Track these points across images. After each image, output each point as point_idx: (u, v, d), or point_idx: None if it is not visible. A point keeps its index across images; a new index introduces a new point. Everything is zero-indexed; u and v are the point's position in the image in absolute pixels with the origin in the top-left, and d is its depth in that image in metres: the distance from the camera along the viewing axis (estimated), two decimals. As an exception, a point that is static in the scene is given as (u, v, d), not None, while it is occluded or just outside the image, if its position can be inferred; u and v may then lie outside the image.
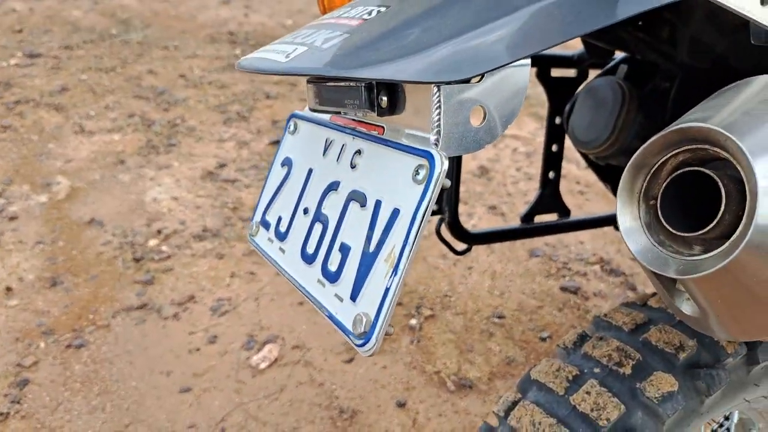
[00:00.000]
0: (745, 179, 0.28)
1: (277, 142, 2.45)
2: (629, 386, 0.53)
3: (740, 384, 0.56)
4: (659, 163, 0.32)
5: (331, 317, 0.40)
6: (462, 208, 2.06)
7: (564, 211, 0.88)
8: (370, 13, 0.36)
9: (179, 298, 1.60)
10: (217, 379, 1.36)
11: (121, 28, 3.77)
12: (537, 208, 0.85)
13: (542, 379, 0.58)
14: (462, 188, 2.18)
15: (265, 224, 0.50)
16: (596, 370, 0.56)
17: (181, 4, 4.52)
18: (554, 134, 0.81)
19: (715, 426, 0.85)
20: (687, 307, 0.34)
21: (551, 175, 0.83)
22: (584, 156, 0.83)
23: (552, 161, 0.82)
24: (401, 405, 1.30)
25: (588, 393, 0.54)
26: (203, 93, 2.88)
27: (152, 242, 1.81)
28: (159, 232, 1.86)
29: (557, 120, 0.81)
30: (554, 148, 0.82)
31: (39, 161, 2.22)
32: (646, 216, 0.33)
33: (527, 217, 0.86)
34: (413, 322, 1.55)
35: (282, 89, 3.02)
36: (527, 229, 0.85)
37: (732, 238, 0.28)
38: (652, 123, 0.68)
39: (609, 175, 0.84)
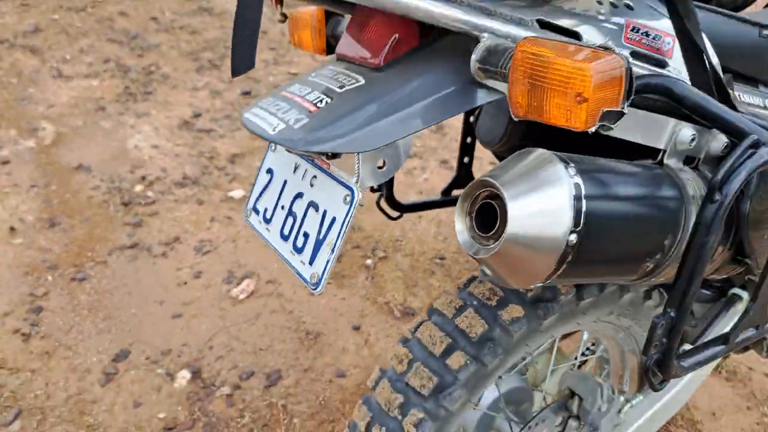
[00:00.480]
0: (507, 209, 0.53)
1: (248, 93, 2.62)
2: (493, 313, 0.80)
3: (571, 313, 0.85)
4: (475, 195, 0.58)
5: (297, 273, 0.66)
6: (416, 162, 2.32)
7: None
8: (321, 101, 0.59)
9: (166, 239, 1.84)
10: (203, 308, 1.63)
11: (87, -38, 3.74)
12: (454, 184, 1.11)
13: (439, 308, 0.85)
14: (418, 143, 2.42)
15: (256, 211, 0.75)
16: (474, 303, 0.83)
17: (146, -65, 4.43)
18: (468, 130, 1.05)
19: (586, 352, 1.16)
20: (487, 271, 0.60)
21: (465, 159, 1.09)
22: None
23: (466, 149, 1.07)
24: (356, 328, 1.61)
25: (466, 317, 0.82)
26: (175, 38, 2.97)
27: (138, 188, 2.02)
28: (143, 178, 2.06)
29: (471, 119, 1.06)
30: (468, 140, 1.07)
31: (22, 106, 2.35)
32: (468, 223, 0.59)
33: (446, 192, 1.12)
34: (368, 262, 1.83)
35: (252, 36, 3.13)
36: (446, 201, 1.11)
37: (500, 238, 0.54)
38: (534, 127, 0.93)
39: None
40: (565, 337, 1.21)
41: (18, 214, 1.86)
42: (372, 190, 1.00)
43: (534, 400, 1.06)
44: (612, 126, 0.52)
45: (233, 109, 2.49)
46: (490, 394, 0.99)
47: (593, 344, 1.21)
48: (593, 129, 0.51)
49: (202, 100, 2.53)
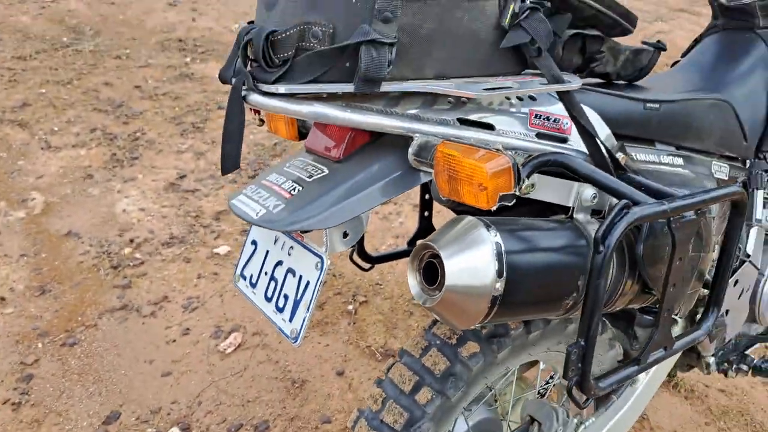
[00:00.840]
0: (444, 266, 0.63)
1: (230, 152, 2.74)
2: (453, 350, 0.89)
3: (522, 346, 0.94)
4: (421, 255, 0.68)
5: (279, 329, 0.76)
6: (392, 208, 2.43)
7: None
8: (294, 189, 0.70)
9: (155, 299, 1.91)
10: (192, 364, 1.69)
11: (72, 36, 3.92)
12: (417, 236, 1.22)
13: (408, 349, 0.94)
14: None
15: (243, 277, 0.85)
16: (437, 342, 0.92)
17: (128, 7, 4.65)
18: (425, 189, 1.17)
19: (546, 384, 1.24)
20: (435, 314, 0.69)
21: (426, 214, 1.20)
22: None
23: (425, 205, 1.19)
24: (340, 373, 1.67)
25: (431, 356, 0.90)
26: (159, 105, 3.11)
27: (126, 250, 2.10)
28: (131, 241, 2.14)
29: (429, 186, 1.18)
30: (426, 197, 1.18)
31: (12, 179, 2.45)
32: (418, 278, 0.69)
33: (411, 242, 1.23)
34: (350, 307, 1.91)
35: (232, 98, 3.29)
36: (411, 251, 1.22)
37: (441, 290, 0.64)
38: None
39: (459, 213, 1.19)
40: (527, 368, 1.28)
41: (8, 283, 1.93)
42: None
43: (503, 431, 1.13)
44: (510, 204, 0.65)
45: (217, 168, 2.60)
46: (460, 427, 1.06)
47: (553, 374, 1.29)
48: (494, 208, 0.64)
49: (187, 162, 2.64)
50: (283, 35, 0.62)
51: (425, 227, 1.20)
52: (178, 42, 4.02)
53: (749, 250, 1.19)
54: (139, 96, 3.19)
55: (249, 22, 0.73)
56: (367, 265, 1.14)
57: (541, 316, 0.76)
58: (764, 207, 1.28)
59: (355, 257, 1.13)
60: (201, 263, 2.07)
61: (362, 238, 1.15)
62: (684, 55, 1.29)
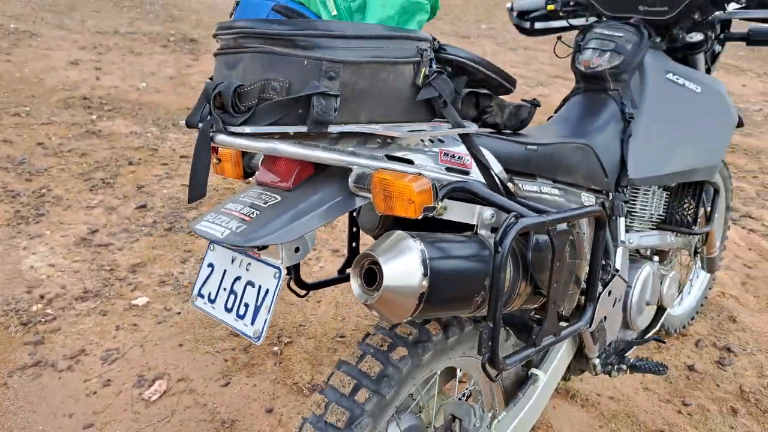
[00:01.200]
0: (382, 270, 0.79)
1: (143, 206, 2.75)
2: (385, 356, 1.02)
3: (443, 349, 1.10)
4: (362, 263, 0.83)
5: (241, 332, 0.87)
6: (312, 254, 2.55)
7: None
8: (252, 213, 0.84)
9: (70, 353, 1.86)
10: (116, 413, 1.67)
11: (-37, 93, 3.75)
12: (347, 264, 1.36)
13: (346, 359, 1.06)
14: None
15: (201, 295, 0.94)
16: (371, 350, 1.05)
17: (25, 65, 4.53)
18: (353, 222, 1.33)
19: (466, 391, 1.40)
20: (375, 313, 0.84)
21: (354, 244, 1.35)
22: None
23: (353, 236, 1.34)
24: (269, 411, 1.73)
25: (366, 362, 1.03)
26: (65, 161, 3.06)
27: (36, 307, 2.04)
28: (42, 297, 2.08)
29: (354, 214, 1.34)
30: (354, 229, 1.34)
31: None
32: (359, 281, 0.84)
33: (341, 271, 1.37)
34: (275, 348, 1.98)
35: (142, 155, 3.30)
36: (341, 278, 1.36)
37: (380, 289, 0.79)
38: (395, 218, 1.22)
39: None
40: (447, 380, 1.44)
41: None
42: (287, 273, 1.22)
43: (428, 435, 1.27)
44: (431, 215, 0.83)
45: (130, 222, 2.60)
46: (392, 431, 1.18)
47: (474, 384, 1.45)
48: (420, 217, 0.83)
49: (98, 217, 2.62)
50: (249, 88, 0.77)
51: (352, 257, 1.35)
52: (82, 100, 3.97)
53: (618, 265, 1.45)
54: (42, 153, 3.11)
55: (210, 78, 0.87)
56: (302, 292, 1.26)
57: (457, 311, 0.93)
58: (626, 232, 1.57)
59: (293, 285, 1.25)
60: (119, 315, 2.05)
61: (298, 267, 1.28)
62: (556, 111, 1.58)
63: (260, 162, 0.98)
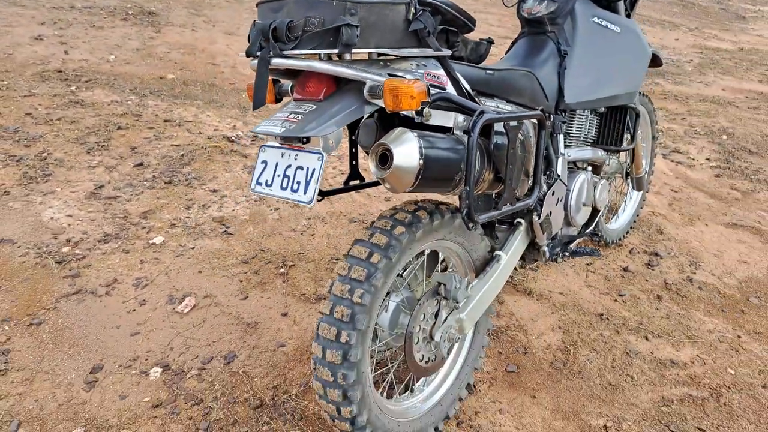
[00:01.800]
0: (393, 153, 1.14)
1: (141, 164, 3.00)
2: (389, 232, 1.38)
3: (429, 230, 1.46)
4: (378, 150, 1.18)
5: (298, 201, 1.20)
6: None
7: (361, 179, 1.73)
8: (299, 116, 1.15)
9: (105, 282, 2.16)
10: (156, 324, 1.99)
11: (-62, 70, 3.84)
12: (350, 178, 1.70)
13: (360, 237, 1.41)
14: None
15: (259, 183, 1.26)
16: (378, 230, 1.40)
17: (-9, 42, 4.59)
18: (352, 143, 1.67)
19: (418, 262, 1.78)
20: (386, 184, 1.20)
21: (354, 162, 1.70)
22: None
23: (353, 155, 1.68)
24: (284, 315, 2.08)
25: (376, 237, 1.39)
26: (57, 129, 3.26)
27: (65, 249, 2.31)
28: (68, 240, 2.35)
29: (353, 137, 1.68)
30: (353, 150, 1.68)
31: None
32: (375, 162, 1.19)
33: (346, 183, 1.71)
34: (281, 270, 2.32)
35: (128, 120, 3.52)
36: (348, 188, 1.70)
37: (391, 167, 1.14)
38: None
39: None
40: (433, 266, 1.81)
41: (-44, 285, 2.06)
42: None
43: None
44: (424, 114, 1.18)
45: (132, 178, 2.86)
46: (392, 301, 1.55)
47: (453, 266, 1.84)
48: (418, 110, 1.16)
49: (100, 174, 2.86)
50: (296, 23, 1.10)
51: (353, 172, 1.69)
52: (57, 73, 4.11)
53: (559, 171, 1.84)
54: (32, 122, 3.30)
55: (254, 22, 1.19)
56: (319, 197, 1.60)
57: (442, 187, 1.29)
58: (566, 146, 1.96)
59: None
60: (140, 252, 2.35)
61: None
62: (507, 52, 1.94)
63: (290, 87, 1.31)
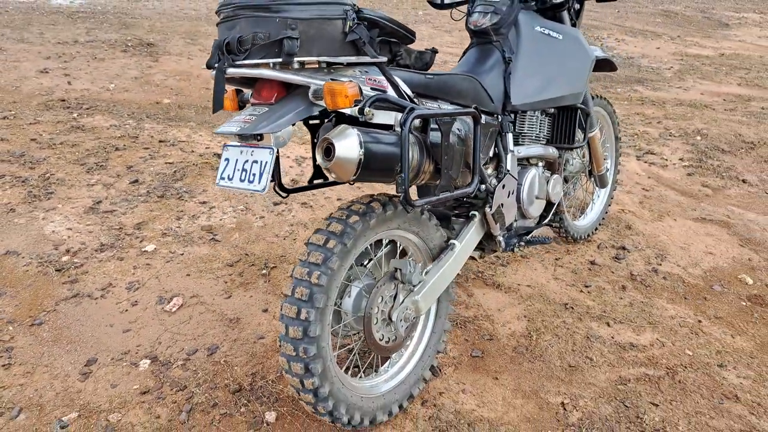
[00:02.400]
0: (335, 146, 1.32)
1: (136, 181, 3.20)
2: (344, 221, 1.55)
3: (383, 219, 1.63)
4: (324, 143, 1.36)
5: (253, 190, 1.37)
6: (284, 207, 3.06)
7: (325, 178, 1.91)
8: (253, 117, 1.34)
9: (100, 286, 2.34)
10: (146, 321, 2.16)
11: (-51, 103, 4.09)
12: (313, 177, 1.88)
13: (319, 226, 1.58)
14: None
15: (222, 178, 1.44)
16: (335, 220, 1.57)
17: (-2, 76, 4.86)
18: (315, 144, 1.85)
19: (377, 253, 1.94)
20: (331, 174, 1.37)
21: (317, 163, 1.88)
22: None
23: (315, 159, 1.87)
24: (265, 311, 2.24)
25: (332, 225, 1.55)
26: (59, 152, 3.48)
27: (65, 258, 2.49)
28: (67, 251, 2.54)
29: (315, 140, 1.86)
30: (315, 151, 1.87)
31: (-67, 220, 2.70)
32: (321, 154, 1.37)
33: (310, 181, 1.89)
34: (264, 271, 2.49)
35: (125, 142, 3.73)
36: (312, 186, 1.88)
37: (333, 158, 1.32)
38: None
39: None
40: (392, 255, 1.97)
41: (-36, 293, 2.24)
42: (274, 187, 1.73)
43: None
44: (363, 118, 1.36)
45: (128, 194, 3.05)
46: (354, 288, 1.71)
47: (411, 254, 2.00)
48: (349, 111, 1.34)
49: (98, 191, 3.06)
50: (245, 38, 1.29)
51: (317, 171, 1.87)
52: (60, 102, 4.36)
53: (509, 166, 2.02)
54: (37, 147, 3.52)
55: (216, 40, 1.39)
56: (284, 194, 1.78)
57: (384, 177, 1.46)
58: (517, 144, 2.14)
59: (276, 189, 1.77)
60: (133, 259, 2.53)
61: (280, 177, 1.80)
62: (460, 59, 2.13)
63: (250, 95, 1.50)
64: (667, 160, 4.14)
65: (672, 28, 8.93)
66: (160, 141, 3.78)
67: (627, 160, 4.08)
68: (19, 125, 3.82)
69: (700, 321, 2.43)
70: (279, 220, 2.95)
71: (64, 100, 4.39)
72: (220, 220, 2.90)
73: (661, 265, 2.84)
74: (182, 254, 2.59)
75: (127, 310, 2.21)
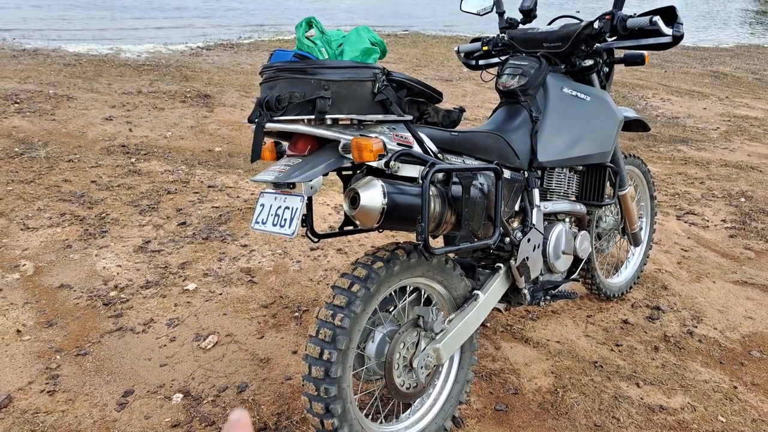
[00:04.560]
0: (360, 196, 1.42)
1: (183, 223, 3.40)
2: (369, 267, 1.63)
3: (407, 267, 1.70)
4: (351, 193, 1.46)
5: (283, 234, 1.47)
6: (320, 252, 3.17)
7: (354, 225, 2.01)
8: (287, 167, 1.47)
9: (143, 321, 2.47)
10: (182, 357, 2.26)
11: (23, 146, 4.47)
12: (344, 224, 1.99)
13: (345, 270, 1.67)
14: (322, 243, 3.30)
15: (257, 222, 1.56)
16: (360, 265, 1.65)
17: (68, 122, 5.29)
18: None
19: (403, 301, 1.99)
20: (356, 221, 1.46)
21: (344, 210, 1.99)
22: None
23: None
24: (294, 352, 2.31)
25: (357, 270, 1.63)
26: (116, 194, 3.74)
27: (112, 293, 2.66)
28: (115, 287, 2.71)
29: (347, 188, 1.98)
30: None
31: (0, 253, 2.94)
32: (348, 203, 1.47)
33: (341, 227, 1.99)
34: (297, 314, 2.58)
35: (177, 186, 3.97)
36: (342, 232, 1.98)
37: (359, 207, 1.41)
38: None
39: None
40: (415, 302, 2.02)
41: (20, 321, 2.42)
42: (302, 223, 1.84)
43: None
44: (389, 171, 1.46)
45: (175, 235, 3.24)
46: (378, 333, 1.77)
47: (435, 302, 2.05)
48: (375, 164, 1.45)
49: (149, 232, 3.26)
50: (283, 97, 1.43)
51: (347, 218, 1.97)
52: (121, 147, 4.69)
53: (534, 221, 2.07)
54: (96, 188, 3.79)
55: (258, 98, 1.53)
56: (315, 239, 1.88)
57: (407, 226, 1.55)
58: (542, 199, 2.20)
59: (308, 234, 1.88)
60: (175, 297, 2.67)
61: (312, 222, 1.91)
62: (489, 117, 2.24)
63: (287, 147, 1.64)
64: (708, 221, 4.07)
65: (720, 89, 8.85)
66: (209, 186, 4.01)
67: (666, 219, 4.04)
68: (81, 168, 4.13)
69: (735, 387, 2.35)
70: (314, 264, 3.06)
71: (124, 146, 4.72)
72: (259, 262, 3.03)
73: (696, 327, 2.78)
74: (221, 294, 2.71)
75: (165, 345, 2.33)
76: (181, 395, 2.06)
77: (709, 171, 5.13)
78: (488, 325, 2.65)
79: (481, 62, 2.57)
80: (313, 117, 1.43)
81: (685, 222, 4.03)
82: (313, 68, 1.43)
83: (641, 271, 3.10)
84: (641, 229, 2.97)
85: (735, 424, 2.13)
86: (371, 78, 1.49)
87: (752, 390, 2.34)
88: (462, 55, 2.58)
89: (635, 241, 2.88)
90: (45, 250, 2.98)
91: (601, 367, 2.41)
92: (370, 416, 1.91)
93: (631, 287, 3.04)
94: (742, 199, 4.43)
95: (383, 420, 1.92)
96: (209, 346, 2.33)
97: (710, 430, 2.09)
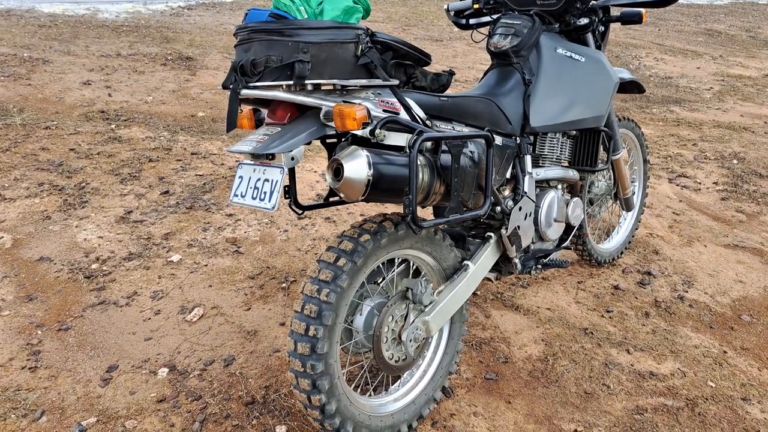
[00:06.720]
0: (344, 166, 1.34)
1: (167, 192, 3.30)
2: (356, 240, 1.57)
3: (395, 239, 1.64)
4: (334, 164, 1.39)
5: (263, 208, 1.40)
6: (308, 221, 3.10)
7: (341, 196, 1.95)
8: (266, 137, 1.38)
9: (126, 295, 2.41)
10: (168, 331, 2.22)
11: (-2, 113, 4.31)
12: (329, 195, 1.91)
13: (331, 244, 1.61)
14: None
15: (236, 195, 1.48)
16: (346, 237, 1.59)
17: (44, 87, 5.10)
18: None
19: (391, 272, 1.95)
20: (340, 194, 1.40)
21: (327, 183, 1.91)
22: None
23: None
24: (282, 324, 2.27)
25: (344, 243, 1.58)
26: (95, 162, 3.62)
27: (94, 266, 2.59)
28: (97, 259, 2.63)
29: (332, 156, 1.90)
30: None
31: (-25, 225, 2.84)
32: (331, 174, 1.40)
33: (326, 199, 1.92)
34: (284, 285, 2.53)
35: (159, 154, 3.86)
36: (327, 204, 1.91)
37: (343, 178, 1.35)
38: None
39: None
40: (405, 274, 1.98)
41: (-1, 296, 2.35)
42: (285, 194, 1.76)
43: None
44: (375, 140, 1.38)
45: (158, 204, 3.15)
46: (366, 305, 1.73)
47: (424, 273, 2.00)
48: (360, 132, 1.37)
49: (130, 201, 3.17)
50: (258, 60, 1.33)
51: (332, 189, 1.90)
52: (100, 113, 4.54)
53: (526, 188, 2.01)
54: (75, 156, 3.67)
55: (233, 62, 1.44)
56: (300, 211, 1.81)
57: (393, 197, 1.48)
58: (534, 166, 2.13)
59: (292, 206, 1.81)
60: (159, 269, 2.61)
61: (296, 194, 1.83)
62: (480, 80, 2.14)
63: (265, 114, 1.55)
64: (700, 183, 4.03)
65: (714, 48, 8.72)
66: (193, 153, 3.89)
67: (658, 182, 4.00)
68: (59, 135, 3.99)
69: (725, 352, 2.35)
70: (302, 234, 2.99)
71: (103, 112, 4.57)
72: (245, 232, 2.96)
73: (687, 292, 2.76)
74: (206, 265, 2.65)
75: (149, 319, 2.28)
76: (166, 370, 2.02)
77: (702, 132, 5.07)
78: (478, 293, 2.62)
79: (471, 21, 2.46)
80: (291, 83, 1.34)
81: (677, 185, 3.99)
82: (291, 29, 1.33)
83: (632, 236, 3.07)
84: (634, 193, 2.93)
85: (724, 389, 2.13)
86: (354, 39, 1.40)
87: (742, 354, 2.34)
88: (452, 13, 2.47)
89: (628, 206, 2.84)
90: (23, 222, 2.89)
91: (592, 333, 2.40)
92: (359, 389, 1.88)
93: (622, 252, 3.01)
94: (735, 161, 4.39)
95: (372, 392, 1.90)
96: (195, 319, 2.28)
97: (700, 395, 2.09)
